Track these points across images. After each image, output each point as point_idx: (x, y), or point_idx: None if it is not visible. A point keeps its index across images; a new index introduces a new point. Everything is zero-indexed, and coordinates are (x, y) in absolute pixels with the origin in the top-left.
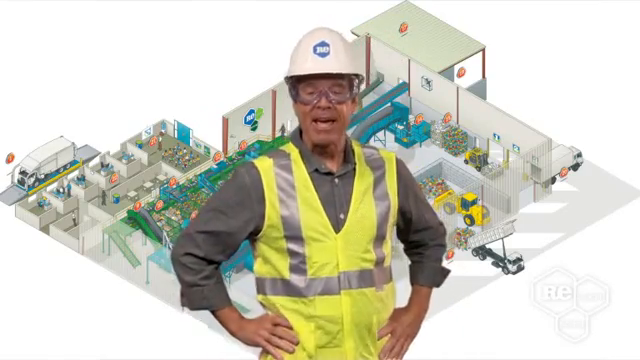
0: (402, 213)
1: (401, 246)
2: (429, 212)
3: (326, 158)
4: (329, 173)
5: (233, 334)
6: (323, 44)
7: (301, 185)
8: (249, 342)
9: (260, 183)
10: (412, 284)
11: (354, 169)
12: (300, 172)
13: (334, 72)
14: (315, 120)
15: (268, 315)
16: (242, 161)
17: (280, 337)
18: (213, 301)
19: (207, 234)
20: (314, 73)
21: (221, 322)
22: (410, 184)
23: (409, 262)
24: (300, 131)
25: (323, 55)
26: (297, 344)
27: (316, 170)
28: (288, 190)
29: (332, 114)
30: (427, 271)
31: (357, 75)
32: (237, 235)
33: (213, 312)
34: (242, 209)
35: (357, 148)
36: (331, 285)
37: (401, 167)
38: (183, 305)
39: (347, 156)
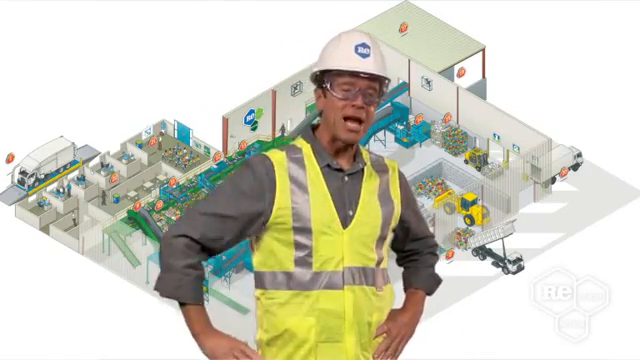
0: (402, 222)
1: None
2: (423, 223)
3: (338, 156)
4: (340, 170)
5: (195, 335)
6: (364, 45)
7: (313, 178)
8: (211, 352)
9: (273, 173)
10: (406, 289)
11: (362, 169)
12: (312, 166)
13: (376, 74)
14: (345, 118)
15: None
16: (242, 161)
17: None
18: (186, 293)
19: (212, 216)
20: (356, 71)
21: (187, 319)
22: (410, 194)
23: (403, 270)
24: (312, 127)
25: (364, 56)
26: None
27: (328, 166)
28: (300, 182)
29: (362, 114)
30: (422, 275)
31: (388, 80)
32: (242, 222)
33: (182, 305)
34: (253, 197)
35: (364, 152)
36: (335, 280)
37: (402, 177)
38: (155, 289)
39: (357, 157)
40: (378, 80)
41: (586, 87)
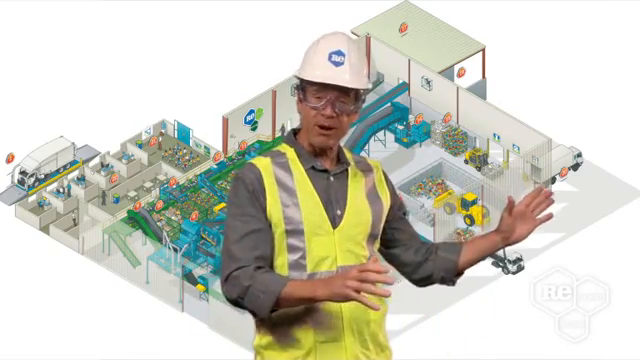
0: (394, 226)
1: None
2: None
3: (321, 158)
4: (325, 171)
5: (314, 297)
6: (339, 53)
7: (299, 181)
8: (337, 297)
9: (261, 179)
10: (457, 256)
11: (347, 169)
12: (297, 169)
13: (344, 85)
14: (317, 125)
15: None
16: (242, 161)
17: (372, 282)
18: (272, 286)
19: (240, 241)
20: (325, 82)
21: (294, 298)
22: (397, 197)
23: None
24: (294, 132)
25: (337, 64)
26: (392, 282)
27: (312, 167)
28: (288, 185)
29: (334, 123)
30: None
31: (363, 90)
32: (266, 229)
33: (279, 298)
34: (255, 204)
35: (348, 153)
36: None
37: (387, 177)
38: (262, 316)
39: (341, 157)
40: (352, 88)
41: (586, 87)
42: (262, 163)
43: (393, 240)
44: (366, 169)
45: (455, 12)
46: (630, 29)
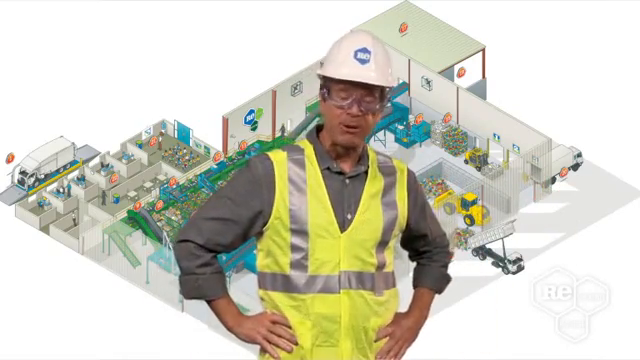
0: (413, 225)
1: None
2: (435, 223)
3: (340, 158)
4: (341, 173)
5: (230, 329)
6: (365, 50)
7: (312, 181)
8: (246, 339)
9: (272, 174)
10: (415, 286)
11: (366, 172)
12: (312, 168)
13: (371, 83)
14: (342, 123)
15: (267, 313)
16: (242, 161)
17: (279, 335)
18: (206, 291)
19: (213, 220)
20: (351, 80)
21: (217, 314)
22: (421, 197)
23: (414, 265)
24: (317, 129)
25: (363, 62)
26: (296, 344)
27: (328, 168)
28: (299, 184)
29: (360, 122)
30: (433, 275)
31: (390, 87)
32: (243, 225)
33: (209, 302)
34: (252, 199)
35: (371, 153)
36: (331, 284)
37: (411, 179)
38: (180, 294)
39: (361, 159)
40: (378, 87)
41: (586, 87)
42: (277, 157)
43: (410, 247)
44: (388, 172)
45: (455, 12)
46: (630, 29)
